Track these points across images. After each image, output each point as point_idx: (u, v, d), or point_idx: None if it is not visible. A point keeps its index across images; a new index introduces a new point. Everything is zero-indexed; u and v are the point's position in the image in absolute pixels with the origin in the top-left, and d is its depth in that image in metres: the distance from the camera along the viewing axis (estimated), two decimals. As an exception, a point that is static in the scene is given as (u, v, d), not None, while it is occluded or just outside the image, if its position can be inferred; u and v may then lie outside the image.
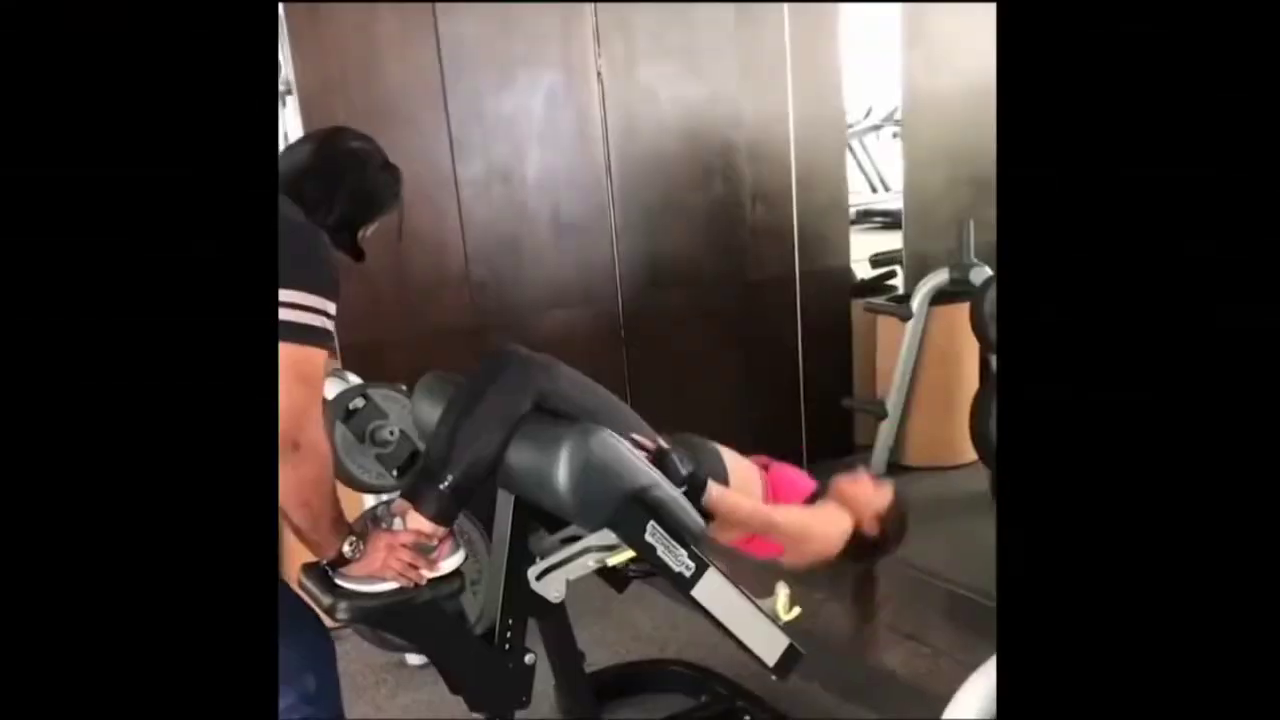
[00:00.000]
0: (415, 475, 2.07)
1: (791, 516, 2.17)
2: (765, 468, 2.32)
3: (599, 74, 3.69)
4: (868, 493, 2.29)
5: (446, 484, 1.93)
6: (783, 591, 2.13)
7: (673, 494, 1.94)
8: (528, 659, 2.09)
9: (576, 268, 3.76)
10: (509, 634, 2.07)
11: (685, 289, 3.98)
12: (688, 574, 1.97)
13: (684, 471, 2.00)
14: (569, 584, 2.11)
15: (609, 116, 3.72)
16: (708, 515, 2.04)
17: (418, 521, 1.93)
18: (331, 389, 2.56)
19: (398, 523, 1.95)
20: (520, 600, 2.07)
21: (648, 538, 1.92)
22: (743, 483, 2.21)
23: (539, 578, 2.08)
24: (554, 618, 2.16)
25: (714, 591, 2.00)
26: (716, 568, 2.00)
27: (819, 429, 4.32)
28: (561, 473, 1.83)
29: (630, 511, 1.89)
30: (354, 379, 2.76)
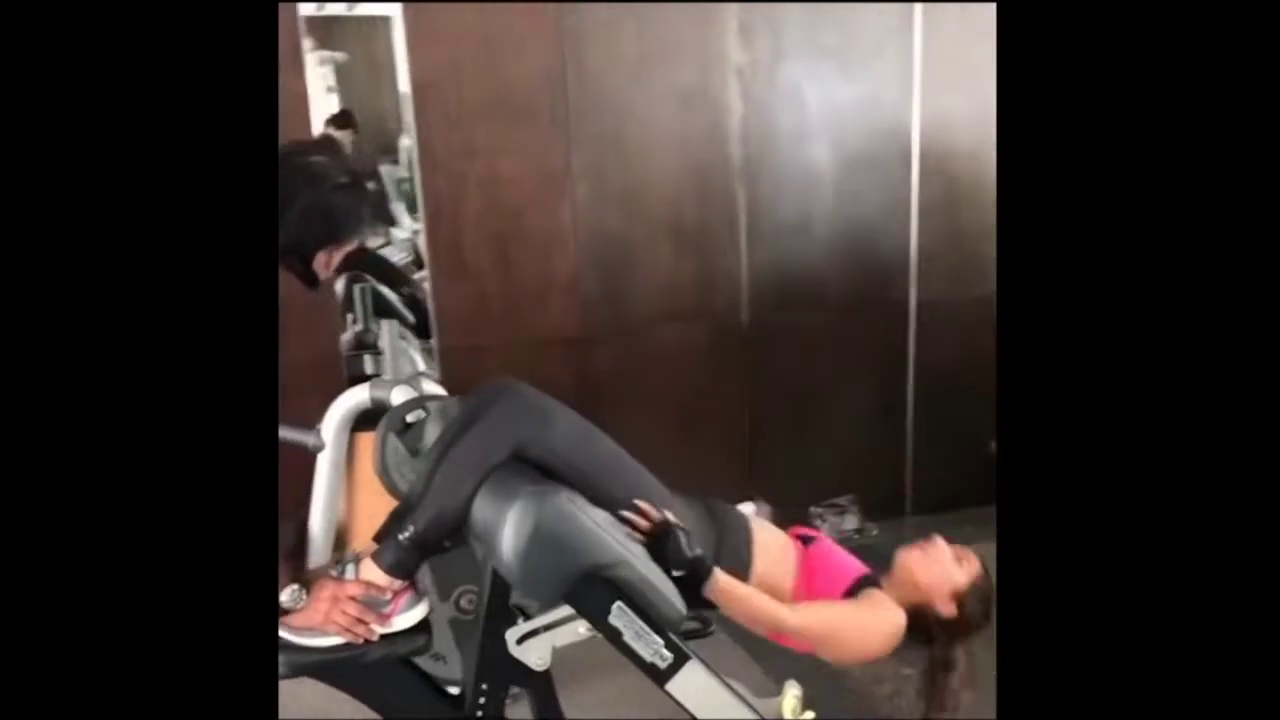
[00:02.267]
0: (389, 517, 1.88)
1: (815, 617, 1.85)
2: (805, 542, 2.00)
3: (739, 71, 3.41)
4: (942, 567, 1.94)
5: (406, 535, 1.74)
6: (792, 692, 1.83)
7: (644, 574, 1.67)
8: (502, 730, 1.87)
9: (697, 279, 3.49)
10: (482, 700, 1.86)
11: (821, 311, 3.64)
12: (662, 665, 1.70)
13: (688, 555, 1.73)
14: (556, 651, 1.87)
15: (747, 118, 3.43)
16: (708, 605, 1.77)
17: (371, 572, 1.75)
18: (401, 394, 2.42)
19: (350, 570, 1.77)
20: (497, 665, 1.85)
21: (613, 620, 1.66)
22: (770, 565, 1.92)
23: (520, 641, 1.84)
24: (536, 687, 1.92)
25: (695, 688, 1.72)
26: (700, 660, 1.72)
27: (962, 472, 3.87)
28: (507, 537, 1.60)
29: (588, 590, 1.64)
30: (431, 387, 2.59)
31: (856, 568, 1.99)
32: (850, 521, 3.43)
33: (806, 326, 3.62)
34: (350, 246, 1.82)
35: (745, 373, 3.60)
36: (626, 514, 1.75)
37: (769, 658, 2.82)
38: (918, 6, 3.48)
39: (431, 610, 2.48)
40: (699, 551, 1.75)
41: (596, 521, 1.66)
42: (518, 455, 1.76)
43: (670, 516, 1.78)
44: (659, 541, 1.74)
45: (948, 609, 1.91)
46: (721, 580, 1.76)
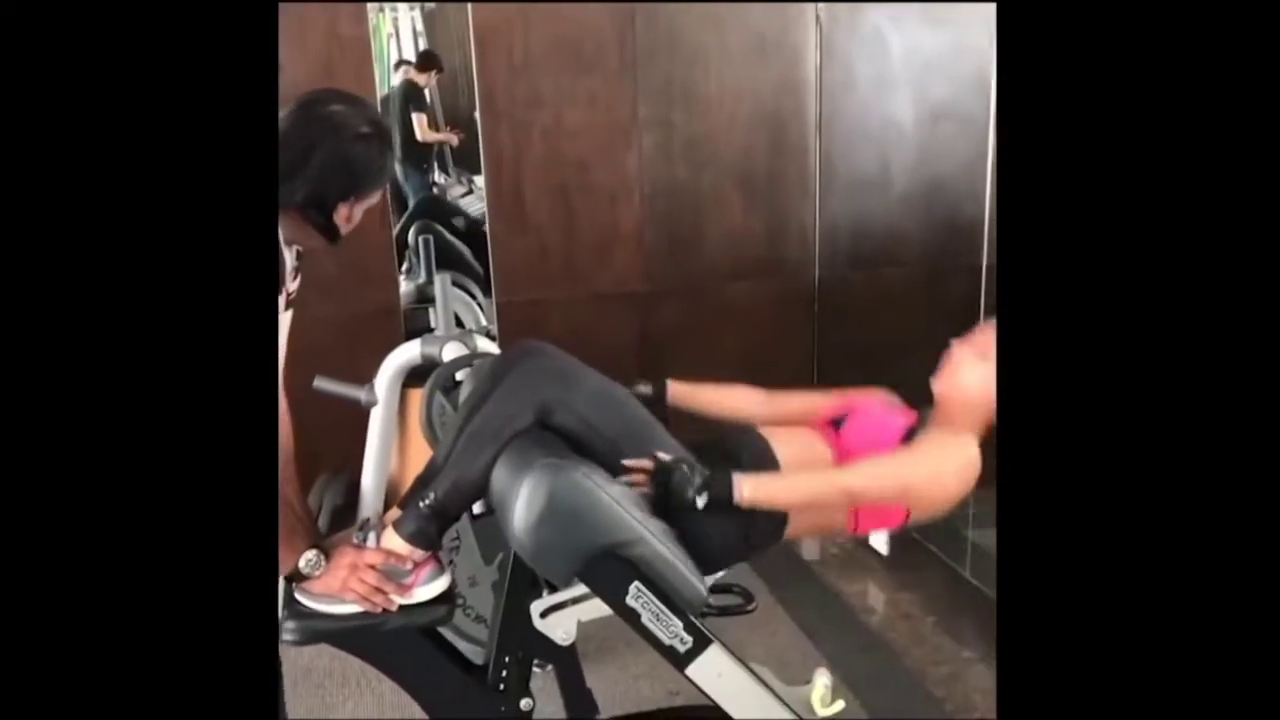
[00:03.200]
0: (413, 483, 1.83)
1: (876, 470, 1.71)
2: (835, 425, 1.86)
3: (817, 17, 3.26)
4: (980, 369, 1.77)
5: (426, 502, 1.69)
6: (821, 681, 1.74)
7: (663, 553, 1.59)
8: (524, 704, 1.81)
9: (767, 234, 3.37)
10: (504, 673, 1.81)
11: (897, 269, 3.49)
12: (682, 648, 1.63)
13: (698, 479, 1.61)
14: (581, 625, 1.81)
15: (824, 66, 3.28)
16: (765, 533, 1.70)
17: (392, 540, 1.70)
18: (451, 351, 2.38)
19: (372, 538, 1.73)
20: (520, 638, 1.79)
21: (630, 601, 1.59)
22: (799, 451, 1.80)
23: (544, 615, 1.79)
24: (562, 661, 1.87)
25: (717, 673, 1.65)
26: (722, 645, 1.64)
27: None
28: (519, 511, 1.54)
29: (604, 569, 1.57)
30: (485, 344, 2.53)
31: (904, 419, 1.86)
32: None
33: (880, 285, 3.48)
34: (373, 199, 1.74)
35: (815, 332, 3.48)
36: (630, 462, 1.65)
37: (822, 636, 2.75)
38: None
39: (470, 579, 2.46)
40: (706, 472, 1.62)
41: (614, 497, 1.58)
42: (541, 420, 1.69)
43: (663, 455, 1.67)
44: (661, 481, 1.62)
45: None
46: (750, 483, 1.63)
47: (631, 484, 1.64)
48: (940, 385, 1.82)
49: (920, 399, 3.42)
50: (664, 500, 1.63)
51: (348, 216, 1.71)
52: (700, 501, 1.60)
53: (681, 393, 1.98)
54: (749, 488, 1.62)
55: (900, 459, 1.74)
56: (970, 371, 1.78)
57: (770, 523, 1.74)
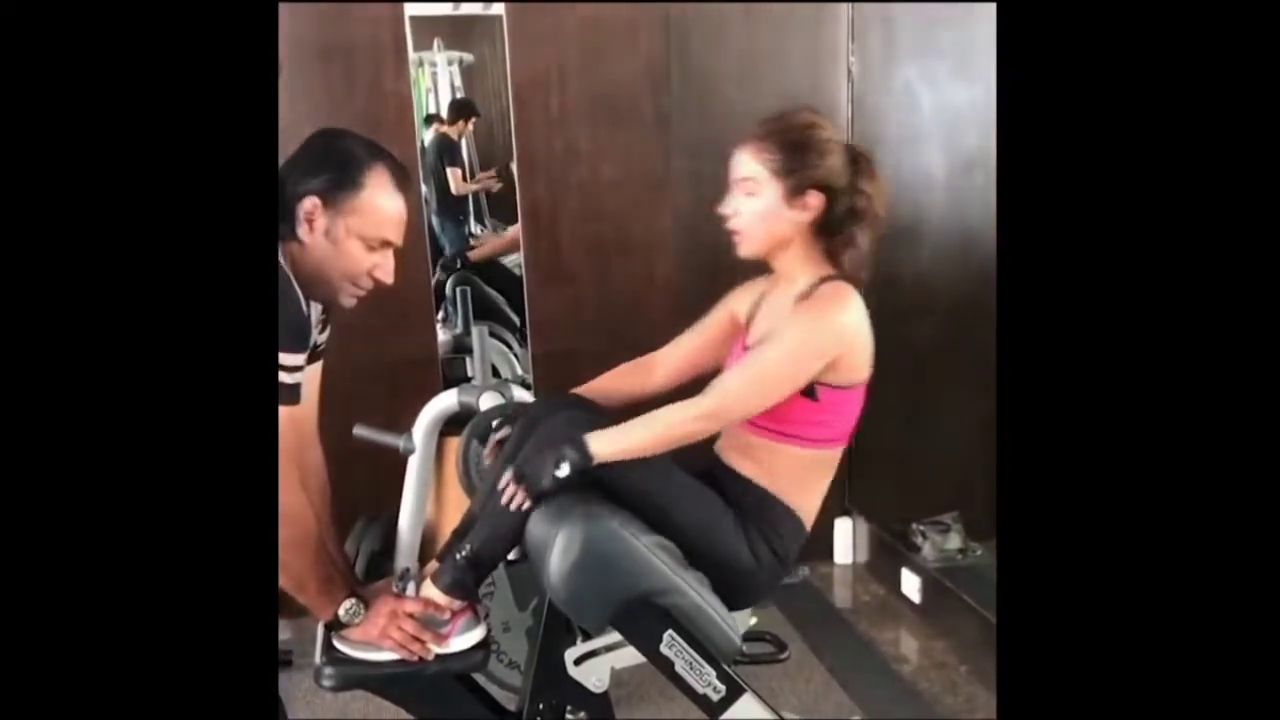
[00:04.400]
0: (451, 535, 1.87)
1: (726, 384, 1.77)
2: None
3: (849, 72, 3.31)
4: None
5: (463, 553, 1.73)
6: (855, 729, 1.76)
7: (698, 602, 1.62)
8: (557, 752, 1.84)
9: (800, 286, 3.40)
10: (538, 719, 1.84)
11: (928, 319, 3.51)
12: (715, 696, 1.66)
13: (549, 461, 1.65)
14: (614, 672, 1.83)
15: (855, 121, 3.33)
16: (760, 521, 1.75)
17: (430, 590, 1.74)
18: (488, 400, 2.42)
19: (411, 588, 1.77)
20: (554, 685, 1.82)
21: (664, 650, 1.62)
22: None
23: (578, 662, 1.82)
24: (594, 708, 1.89)
25: (750, 722, 1.67)
26: (754, 694, 1.66)
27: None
28: (554, 559, 1.58)
29: (638, 617, 1.61)
30: (521, 394, 2.57)
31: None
32: (954, 541, 3.29)
33: (912, 335, 3.50)
34: (349, 213, 1.64)
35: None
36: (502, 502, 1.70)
37: (855, 685, 2.75)
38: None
39: (505, 625, 2.48)
40: (559, 450, 1.66)
41: (648, 546, 1.62)
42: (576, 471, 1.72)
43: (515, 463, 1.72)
44: (522, 478, 1.67)
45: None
46: (597, 439, 1.67)
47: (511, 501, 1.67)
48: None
49: (947, 447, 3.42)
50: (539, 492, 1.66)
51: (310, 218, 1.63)
52: (562, 471, 1.63)
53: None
54: (598, 442, 1.65)
55: (753, 358, 1.76)
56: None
57: (786, 517, 1.77)
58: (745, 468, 1.79)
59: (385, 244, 1.68)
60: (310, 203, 1.62)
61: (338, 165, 1.63)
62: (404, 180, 1.69)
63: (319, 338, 1.80)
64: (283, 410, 1.50)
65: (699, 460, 1.87)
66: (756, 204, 1.75)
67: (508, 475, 1.69)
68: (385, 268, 1.69)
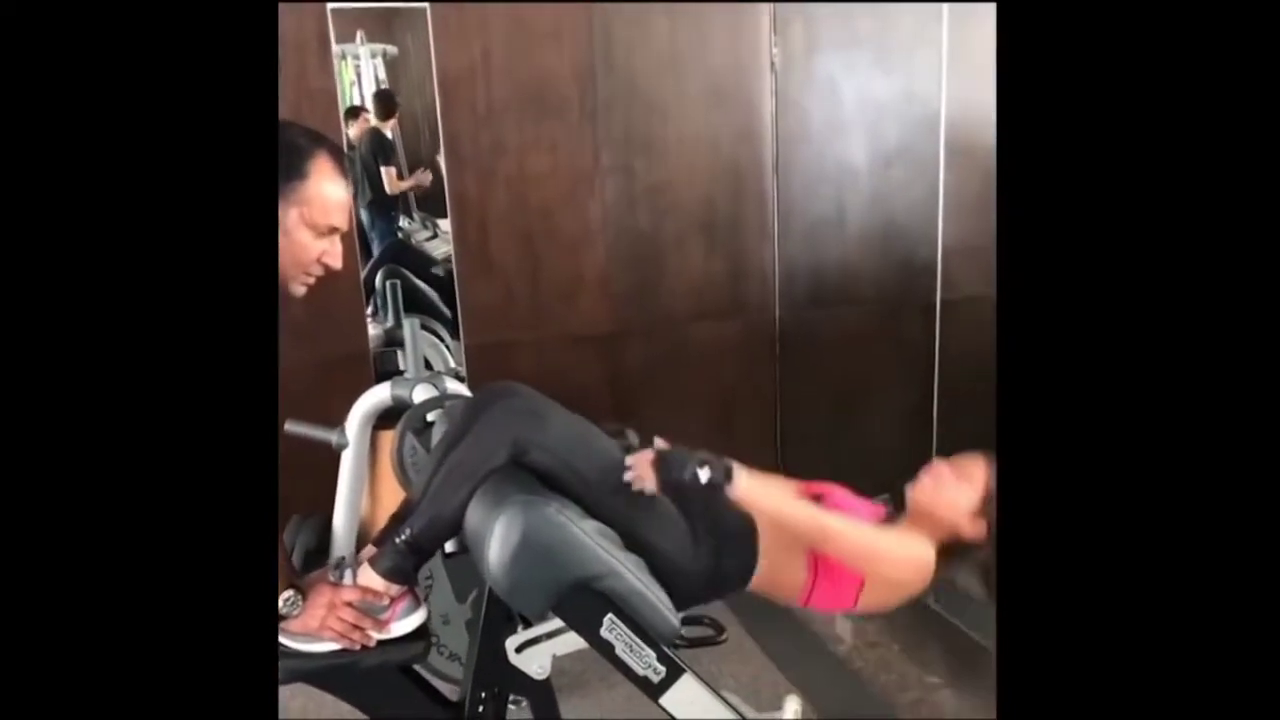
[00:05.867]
0: (389, 521, 1.88)
1: (854, 526, 1.77)
2: (818, 499, 1.91)
3: (772, 64, 3.36)
4: (953, 492, 1.87)
5: (403, 538, 1.73)
6: (792, 704, 1.80)
7: (636, 585, 1.65)
8: (500, 739, 1.86)
9: (729, 276, 3.45)
10: (480, 709, 1.85)
11: (853, 306, 3.58)
12: (655, 679, 1.68)
13: (695, 462, 1.69)
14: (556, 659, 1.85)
15: (780, 112, 3.38)
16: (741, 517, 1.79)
17: (369, 578, 1.74)
18: (422, 393, 2.42)
19: (348, 575, 1.77)
20: (496, 673, 1.84)
21: (604, 634, 1.64)
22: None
23: (519, 650, 1.83)
24: (536, 696, 1.91)
25: (690, 703, 1.70)
26: (694, 674, 1.69)
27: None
28: (494, 548, 1.59)
29: (578, 602, 1.63)
30: (454, 386, 2.58)
31: (878, 508, 1.96)
32: (883, 522, 3.37)
33: (839, 323, 3.57)
34: (296, 203, 1.65)
35: (777, 370, 3.56)
36: (627, 478, 1.73)
37: (792, 665, 2.80)
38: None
39: (444, 617, 2.49)
40: (703, 456, 1.70)
41: (586, 532, 1.64)
42: (515, 459, 1.74)
43: (661, 443, 1.78)
44: (663, 472, 1.70)
45: (975, 531, 1.84)
46: (747, 475, 1.70)
47: (638, 484, 1.71)
48: (918, 494, 1.91)
49: (876, 431, 3.50)
50: (670, 481, 1.69)
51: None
52: (703, 475, 1.66)
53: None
54: (745, 479, 1.69)
55: (874, 528, 1.82)
56: (948, 490, 1.87)
57: (738, 562, 1.81)
58: None
59: (333, 230, 1.68)
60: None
61: (282, 156, 1.63)
62: (344, 166, 1.70)
63: None
64: None
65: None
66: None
67: (648, 453, 1.73)
68: (334, 253, 1.70)
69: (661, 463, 1.71)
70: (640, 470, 1.72)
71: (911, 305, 3.59)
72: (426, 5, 3.12)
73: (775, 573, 1.84)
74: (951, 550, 1.83)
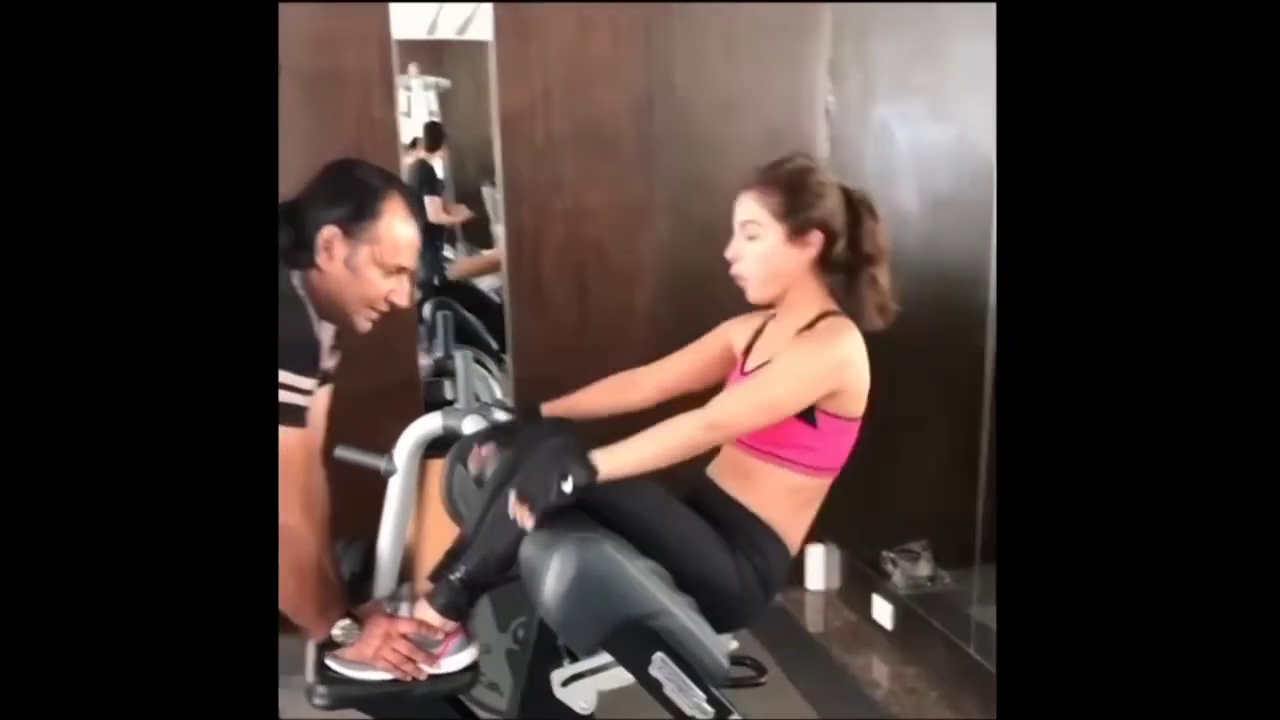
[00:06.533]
0: (444, 556, 1.90)
1: (734, 399, 1.81)
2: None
3: (827, 110, 3.38)
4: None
5: (457, 575, 1.76)
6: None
7: (687, 625, 1.67)
8: (543, 772, 1.87)
9: (776, 317, 3.46)
10: (525, 740, 1.87)
11: (901, 353, 3.57)
12: (702, 718, 1.69)
13: (555, 477, 1.64)
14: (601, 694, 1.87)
15: (833, 156, 3.40)
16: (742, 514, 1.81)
17: (424, 612, 1.77)
18: (472, 424, 2.45)
19: (404, 608, 1.80)
20: (541, 706, 1.85)
21: (653, 671, 1.66)
22: None
23: (565, 683, 1.85)
24: (581, 730, 1.92)
25: (737, 745, 1.71)
26: (741, 716, 1.70)
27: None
28: (549, 582, 1.61)
29: (629, 639, 1.64)
30: (503, 418, 2.60)
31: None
32: (923, 568, 3.36)
33: (887, 366, 3.56)
34: (366, 243, 1.70)
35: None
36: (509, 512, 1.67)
37: (829, 708, 2.79)
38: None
39: (485, 647, 2.50)
40: (565, 465, 1.66)
41: (640, 570, 1.65)
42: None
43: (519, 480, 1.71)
44: (530, 504, 1.63)
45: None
46: (604, 456, 1.67)
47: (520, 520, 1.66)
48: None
49: (917, 477, 3.48)
50: (545, 507, 1.64)
51: (330, 247, 1.69)
52: (567, 487, 1.63)
53: (559, 408, 2.07)
54: (604, 460, 1.66)
55: (757, 378, 1.82)
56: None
57: (772, 550, 1.83)
58: (737, 490, 1.84)
59: (401, 269, 1.72)
60: (329, 232, 1.67)
61: (356, 195, 1.68)
62: (416, 207, 1.74)
63: (329, 362, 1.83)
64: (292, 432, 1.53)
65: (684, 485, 1.92)
66: (760, 246, 1.82)
67: (514, 496, 1.71)
68: (401, 292, 1.74)
69: (525, 497, 1.65)
70: (514, 510, 1.67)
71: (962, 348, 3.58)
72: (490, 40, 3.18)
73: (791, 529, 1.86)
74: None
